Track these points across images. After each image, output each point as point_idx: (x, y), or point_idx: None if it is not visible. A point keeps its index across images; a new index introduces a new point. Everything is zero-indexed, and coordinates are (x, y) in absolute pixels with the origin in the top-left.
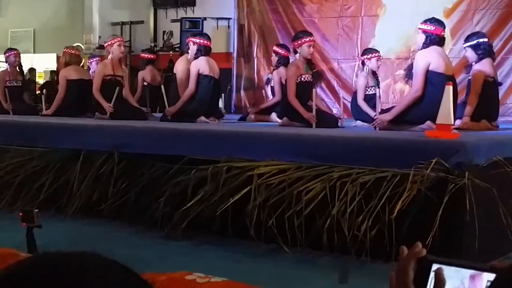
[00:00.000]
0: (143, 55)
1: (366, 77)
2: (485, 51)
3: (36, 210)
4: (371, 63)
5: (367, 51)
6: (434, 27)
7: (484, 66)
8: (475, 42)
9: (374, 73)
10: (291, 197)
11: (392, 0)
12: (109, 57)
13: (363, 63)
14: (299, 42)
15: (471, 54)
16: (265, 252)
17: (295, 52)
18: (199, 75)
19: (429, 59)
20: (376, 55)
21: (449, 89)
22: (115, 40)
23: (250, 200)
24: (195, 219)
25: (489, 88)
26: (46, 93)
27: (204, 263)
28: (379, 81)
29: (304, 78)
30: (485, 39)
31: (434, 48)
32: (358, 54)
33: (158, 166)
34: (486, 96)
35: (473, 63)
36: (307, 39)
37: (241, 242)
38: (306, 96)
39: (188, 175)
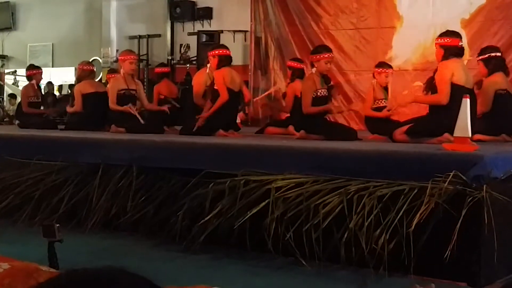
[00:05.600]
0: (157, 69)
1: (373, 90)
2: (496, 66)
3: (57, 225)
4: (379, 77)
5: (378, 64)
6: (450, 39)
7: (494, 79)
8: (486, 56)
9: (385, 87)
10: (308, 210)
11: (409, 11)
12: (121, 72)
13: (374, 76)
14: (318, 56)
15: (482, 68)
16: (283, 266)
17: (312, 65)
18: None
19: (453, 70)
20: (383, 70)
21: (466, 101)
22: (127, 57)
23: (267, 214)
24: (213, 232)
25: (502, 101)
26: (64, 106)
27: (222, 276)
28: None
29: (320, 93)
30: (498, 53)
31: (455, 60)
32: (375, 65)
33: (176, 180)
34: (501, 109)
35: (484, 78)
36: (326, 55)
37: (259, 256)
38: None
39: (206, 188)
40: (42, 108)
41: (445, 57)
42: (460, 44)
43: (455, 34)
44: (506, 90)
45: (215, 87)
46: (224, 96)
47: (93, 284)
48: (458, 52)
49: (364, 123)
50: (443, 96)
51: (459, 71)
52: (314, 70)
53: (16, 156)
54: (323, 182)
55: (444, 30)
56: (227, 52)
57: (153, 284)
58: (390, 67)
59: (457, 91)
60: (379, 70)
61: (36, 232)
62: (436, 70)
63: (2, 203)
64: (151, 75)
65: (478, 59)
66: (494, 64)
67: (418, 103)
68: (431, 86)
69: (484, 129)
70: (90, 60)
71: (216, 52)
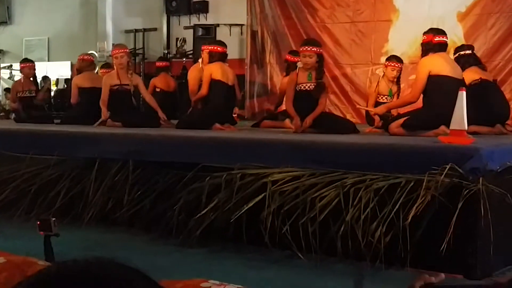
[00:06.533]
0: (158, 63)
1: (377, 84)
2: (465, 63)
3: (54, 219)
4: (387, 71)
5: (388, 58)
6: (425, 36)
7: (467, 74)
8: (456, 55)
9: (397, 82)
10: (305, 203)
11: (405, 5)
12: (115, 67)
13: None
14: (300, 50)
15: None
16: (279, 259)
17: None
18: (211, 80)
19: (429, 65)
20: (391, 64)
21: (462, 94)
22: (114, 51)
23: (264, 207)
24: (209, 226)
25: (479, 91)
26: (60, 101)
27: (219, 270)
28: (398, 92)
29: (304, 87)
30: (468, 51)
31: (435, 54)
32: (371, 59)
33: (173, 174)
34: (482, 99)
35: None
36: (301, 48)
37: (256, 249)
38: (305, 105)
39: (203, 182)
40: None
41: (423, 53)
42: (436, 39)
43: (431, 30)
44: (480, 79)
45: None
46: (204, 91)
47: (83, 275)
48: (432, 48)
49: (365, 116)
50: (412, 94)
51: (439, 63)
52: (299, 64)
53: (12, 151)
54: (320, 175)
55: (440, 24)
56: (219, 48)
57: (144, 275)
58: (401, 61)
59: (443, 82)
60: (387, 64)
61: (32, 226)
62: None
63: None
64: (147, 69)
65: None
66: (463, 63)
67: (393, 108)
68: None
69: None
70: None
71: (209, 48)
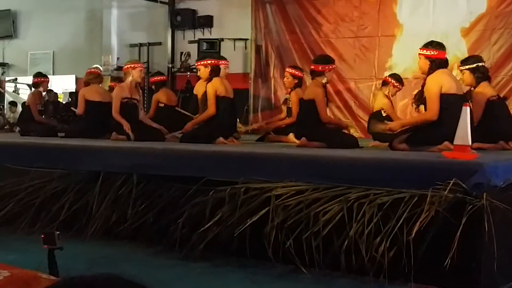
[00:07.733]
0: (154, 79)
1: (383, 97)
2: (483, 75)
3: (58, 232)
4: (389, 87)
5: (390, 74)
6: (437, 52)
7: (484, 88)
8: (474, 65)
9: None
10: (308, 218)
11: (409, 20)
12: (128, 80)
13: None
14: (330, 67)
15: (468, 77)
16: (283, 273)
17: (318, 74)
18: (216, 97)
19: (441, 82)
20: (397, 85)
21: (466, 110)
22: (138, 65)
23: (268, 221)
24: (213, 240)
25: (496, 108)
26: (64, 114)
27: (222, 284)
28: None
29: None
30: (483, 63)
31: (442, 71)
32: (375, 74)
33: (177, 188)
34: (496, 116)
35: (472, 88)
36: (330, 66)
37: (259, 263)
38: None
39: (206, 196)
40: (43, 116)
41: (431, 69)
42: (445, 56)
43: (441, 46)
44: (497, 96)
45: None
46: (212, 110)
47: None
48: (443, 64)
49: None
50: (432, 113)
51: (448, 80)
52: (325, 79)
53: (17, 164)
54: (323, 190)
55: (444, 39)
56: (217, 62)
57: None
58: (400, 82)
59: (450, 99)
60: (394, 83)
61: (36, 240)
62: (424, 84)
63: (3, 210)
64: (151, 84)
65: (464, 68)
66: (482, 73)
67: (409, 126)
68: (421, 100)
69: (480, 137)
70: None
71: (209, 62)
